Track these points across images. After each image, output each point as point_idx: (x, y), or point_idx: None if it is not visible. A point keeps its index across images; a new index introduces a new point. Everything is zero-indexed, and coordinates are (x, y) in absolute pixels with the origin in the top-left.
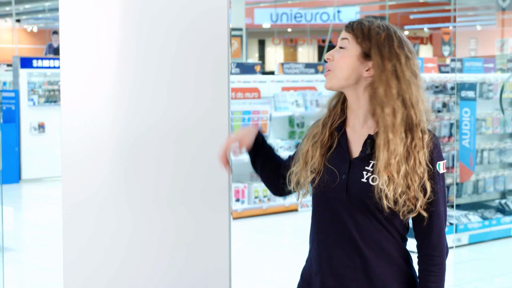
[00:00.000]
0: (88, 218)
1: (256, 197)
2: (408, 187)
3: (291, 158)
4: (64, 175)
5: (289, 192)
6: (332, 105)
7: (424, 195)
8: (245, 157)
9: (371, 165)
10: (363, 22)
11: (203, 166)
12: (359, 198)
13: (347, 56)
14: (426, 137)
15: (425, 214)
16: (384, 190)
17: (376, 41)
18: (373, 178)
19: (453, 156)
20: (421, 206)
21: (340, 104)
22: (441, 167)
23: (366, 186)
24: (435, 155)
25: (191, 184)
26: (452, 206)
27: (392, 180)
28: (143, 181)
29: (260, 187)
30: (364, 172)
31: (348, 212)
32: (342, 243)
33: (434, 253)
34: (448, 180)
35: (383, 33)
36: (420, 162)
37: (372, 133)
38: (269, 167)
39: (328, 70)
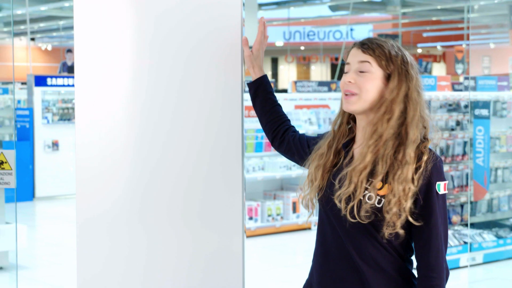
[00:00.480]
0: (102, 235)
1: (269, 215)
2: (393, 195)
3: (305, 138)
4: (78, 192)
5: (282, 151)
6: (337, 126)
7: (415, 205)
8: (258, 175)
9: (368, 183)
10: (380, 43)
11: (217, 184)
12: (353, 212)
13: (373, 79)
14: (425, 157)
15: (416, 223)
16: (375, 206)
17: (396, 64)
18: (369, 196)
19: (467, 175)
20: (411, 215)
21: (345, 124)
22: (441, 187)
23: (361, 203)
24: (434, 175)
25: (205, 202)
26: (467, 225)
27: (389, 187)
28: (157, 199)
29: (273, 205)
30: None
31: (345, 227)
32: (342, 257)
33: (432, 274)
34: (462, 199)
35: (400, 55)
36: (407, 176)
37: None
38: (265, 118)
39: (352, 94)
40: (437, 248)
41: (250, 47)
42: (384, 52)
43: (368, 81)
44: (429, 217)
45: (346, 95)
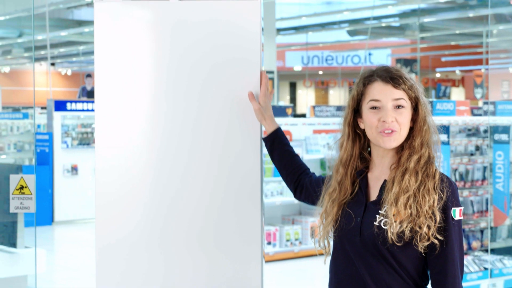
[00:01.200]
0: (121, 260)
1: (287, 240)
2: (416, 215)
3: (321, 180)
4: (97, 217)
5: (303, 199)
6: (344, 161)
7: (435, 223)
8: (276, 200)
9: (384, 209)
10: (403, 75)
11: (236, 208)
12: (371, 241)
13: (407, 113)
14: (442, 181)
15: (437, 242)
16: (390, 224)
17: (418, 95)
18: (384, 222)
19: (487, 200)
20: (432, 234)
21: (357, 158)
22: (456, 213)
23: (378, 229)
24: (449, 200)
25: (224, 227)
26: (487, 251)
27: (399, 215)
28: (176, 224)
29: (291, 230)
30: (377, 216)
31: (360, 255)
32: (356, 287)
33: None
34: (482, 224)
35: (417, 85)
36: (429, 189)
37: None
38: (285, 171)
39: (393, 131)
40: (453, 274)
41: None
42: (411, 84)
43: (406, 117)
44: (445, 243)
45: (386, 132)
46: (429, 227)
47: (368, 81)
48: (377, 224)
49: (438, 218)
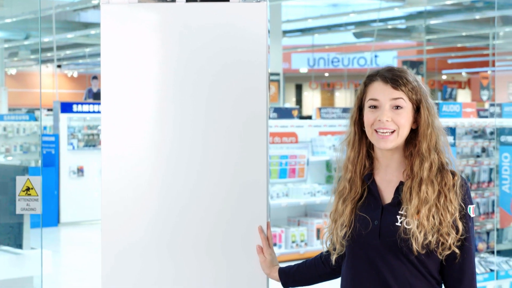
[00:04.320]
0: (127, 263)
1: (293, 242)
2: (440, 224)
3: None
4: (103, 219)
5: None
6: (352, 159)
7: (457, 232)
8: (282, 202)
9: (404, 209)
10: (405, 76)
11: (242, 210)
12: (393, 242)
13: (406, 113)
14: (458, 179)
15: (457, 251)
16: (415, 236)
17: (421, 95)
18: (407, 221)
19: (493, 202)
20: (453, 243)
21: (364, 157)
22: (471, 210)
23: (401, 229)
24: (467, 197)
25: (230, 228)
26: (493, 252)
27: (422, 226)
28: (182, 226)
29: (297, 231)
30: (398, 217)
31: (381, 257)
32: None
33: None
34: (488, 226)
35: (420, 85)
36: (451, 200)
37: (403, 179)
38: (314, 279)
39: (391, 132)
40: (471, 271)
41: None
42: (413, 86)
43: (404, 118)
44: (464, 240)
45: (382, 132)
46: (451, 237)
47: (369, 81)
48: (399, 225)
49: (460, 228)
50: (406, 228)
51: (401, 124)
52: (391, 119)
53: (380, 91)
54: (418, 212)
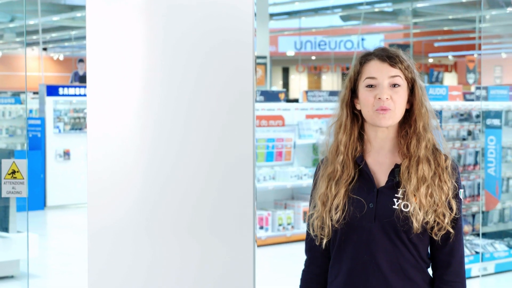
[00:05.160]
0: (113, 245)
1: (280, 225)
2: (436, 205)
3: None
4: (89, 202)
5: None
6: (344, 142)
7: (451, 211)
8: (269, 185)
9: (400, 192)
10: (400, 55)
11: (228, 193)
12: (390, 224)
13: (403, 92)
14: (450, 161)
15: (452, 230)
16: (415, 215)
17: (415, 74)
18: (404, 204)
19: (478, 185)
20: (448, 223)
21: (356, 139)
22: (461, 193)
23: (398, 212)
24: (458, 181)
25: (216, 211)
26: (478, 235)
27: (421, 204)
28: (168, 208)
29: (284, 214)
30: (395, 199)
31: (375, 240)
32: (369, 274)
33: (456, 279)
34: (474, 209)
35: (413, 65)
36: (445, 180)
37: (398, 162)
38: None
39: (387, 109)
40: (461, 253)
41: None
42: (408, 64)
43: (401, 96)
44: (456, 220)
45: (381, 109)
46: (446, 216)
47: (365, 60)
48: (397, 207)
49: (454, 207)
50: (403, 210)
51: (399, 102)
52: (390, 97)
53: (377, 69)
54: (418, 191)
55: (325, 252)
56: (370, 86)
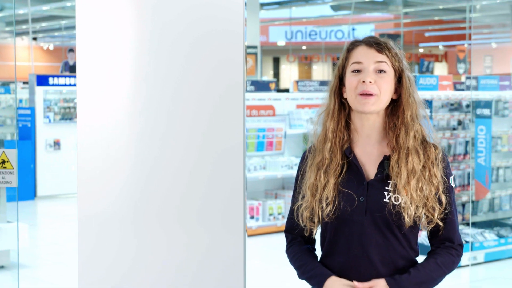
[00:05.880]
0: (103, 234)
1: (270, 214)
2: (426, 199)
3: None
4: (79, 190)
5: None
6: (331, 129)
7: (440, 206)
8: (260, 174)
9: (390, 185)
10: (388, 43)
11: (218, 183)
12: (382, 218)
13: (389, 79)
14: (439, 152)
15: (441, 223)
16: (406, 209)
17: (403, 64)
18: (395, 197)
19: (468, 174)
20: (437, 216)
21: (343, 128)
22: (452, 181)
23: (389, 205)
24: (447, 169)
25: (206, 201)
26: (468, 224)
27: (412, 199)
28: (158, 198)
29: (274, 204)
30: (385, 193)
31: (366, 234)
32: (361, 267)
33: (457, 248)
34: (464, 198)
35: (402, 55)
36: (435, 174)
37: (387, 153)
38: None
39: (371, 95)
40: (458, 238)
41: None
42: (396, 52)
43: (386, 82)
44: (448, 213)
45: (364, 95)
46: (436, 211)
47: (352, 47)
48: (387, 201)
49: (444, 201)
50: (394, 203)
51: (384, 88)
52: (374, 82)
53: (364, 54)
54: (408, 185)
55: (309, 239)
56: (356, 71)
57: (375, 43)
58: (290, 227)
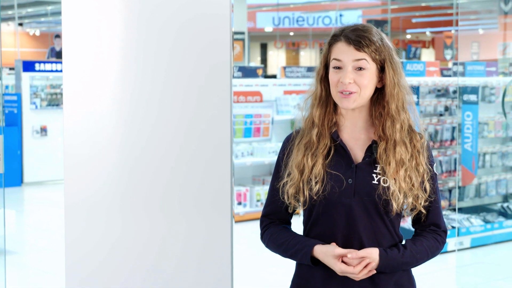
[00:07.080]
0: (90, 221)
1: (258, 200)
2: (413, 185)
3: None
4: (66, 178)
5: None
6: (318, 116)
7: (425, 193)
8: (247, 161)
9: (378, 168)
10: (368, 36)
11: (206, 169)
12: (369, 201)
13: (370, 74)
14: (424, 141)
15: (424, 211)
16: (395, 197)
17: (386, 55)
18: (384, 179)
19: (455, 160)
20: (420, 204)
21: (332, 111)
22: (435, 168)
23: (378, 187)
24: (431, 157)
25: (193, 187)
26: (454, 210)
27: (400, 187)
28: (145, 184)
29: (262, 190)
30: (374, 175)
31: (354, 216)
32: (350, 246)
33: (441, 234)
34: (450, 184)
35: (385, 43)
36: (421, 163)
37: (374, 137)
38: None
39: (351, 93)
40: (444, 225)
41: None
42: (376, 46)
43: (366, 78)
44: (432, 201)
45: (343, 93)
46: (420, 198)
47: (333, 41)
48: (376, 183)
49: (428, 189)
50: (384, 186)
51: (363, 85)
52: (353, 81)
53: (343, 52)
54: (397, 175)
55: (286, 220)
56: (337, 68)
57: (354, 41)
58: (271, 210)
